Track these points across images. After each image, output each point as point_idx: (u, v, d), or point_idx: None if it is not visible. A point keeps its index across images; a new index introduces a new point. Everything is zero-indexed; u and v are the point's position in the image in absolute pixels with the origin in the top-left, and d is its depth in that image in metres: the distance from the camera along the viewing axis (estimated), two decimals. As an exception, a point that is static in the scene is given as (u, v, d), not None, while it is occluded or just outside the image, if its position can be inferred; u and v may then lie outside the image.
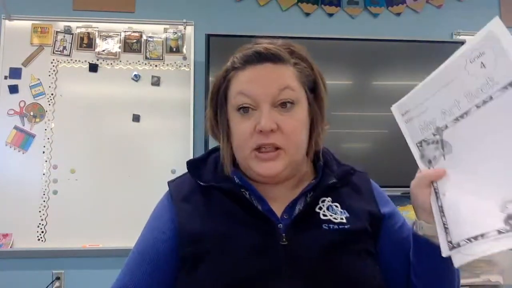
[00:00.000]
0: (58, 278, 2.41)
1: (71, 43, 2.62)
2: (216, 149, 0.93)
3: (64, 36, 2.62)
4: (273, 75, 0.83)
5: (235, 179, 0.88)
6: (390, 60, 2.73)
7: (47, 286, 2.39)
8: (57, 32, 2.62)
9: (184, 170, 0.92)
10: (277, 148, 0.82)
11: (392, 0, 2.87)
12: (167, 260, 0.84)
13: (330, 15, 2.83)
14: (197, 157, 0.94)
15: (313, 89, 0.88)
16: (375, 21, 2.86)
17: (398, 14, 2.88)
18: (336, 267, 0.78)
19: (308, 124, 0.87)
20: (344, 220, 0.83)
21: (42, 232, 2.44)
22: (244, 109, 0.83)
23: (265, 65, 0.84)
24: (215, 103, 0.90)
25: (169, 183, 0.93)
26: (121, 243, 2.38)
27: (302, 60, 0.87)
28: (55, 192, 2.48)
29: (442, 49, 2.75)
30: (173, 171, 2.52)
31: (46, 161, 2.50)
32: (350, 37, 2.69)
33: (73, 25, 2.63)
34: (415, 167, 0.78)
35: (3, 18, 2.59)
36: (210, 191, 0.86)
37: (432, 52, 2.73)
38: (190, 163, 0.92)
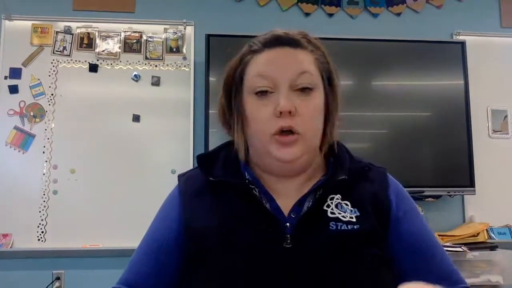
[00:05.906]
0: (58, 278, 2.41)
1: (71, 43, 2.61)
2: (227, 145, 0.92)
3: (64, 36, 2.62)
4: (292, 58, 0.83)
5: (246, 175, 0.87)
6: (390, 60, 2.73)
7: (47, 286, 2.39)
8: (57, 32, 2.62)
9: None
10: (295, 134, 0.81)
11: (392, 0, 2.87)
12: (175, 249, 0.84)
13: (330, 15, 2.83)
14: (208, 152, 0.93)
15: (329, 79, 0.87)
16: (375, 21, 2.86)
17: (398, 14, 2.88)
18: (341, 275, 0.74)
19: (324, 113, 0.86)
20: (354, 219, 0.80)
21: (42, 232, 2.44)
22: (262, 93, 0.81)
23: (284, 49, 0.83)
24: (229, 88, 0.87)
25: (179, 177, 0.91)
26: (121, 243, 2.38)
27: (318, 49, 0.87)
28: (55, 192, 2.48)
29: (442, 49, 2.76)
30: (173, 171, 2.52)
31: (46, 161, 2.50)
32: (350, 37, 2.68)
33: (73, 25, 2.63)
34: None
35: (3, 18, 2.59)
36: (220, 186, 0.84)
37: (432, 52, 2.73)
38: (200, 158, 0.90)
